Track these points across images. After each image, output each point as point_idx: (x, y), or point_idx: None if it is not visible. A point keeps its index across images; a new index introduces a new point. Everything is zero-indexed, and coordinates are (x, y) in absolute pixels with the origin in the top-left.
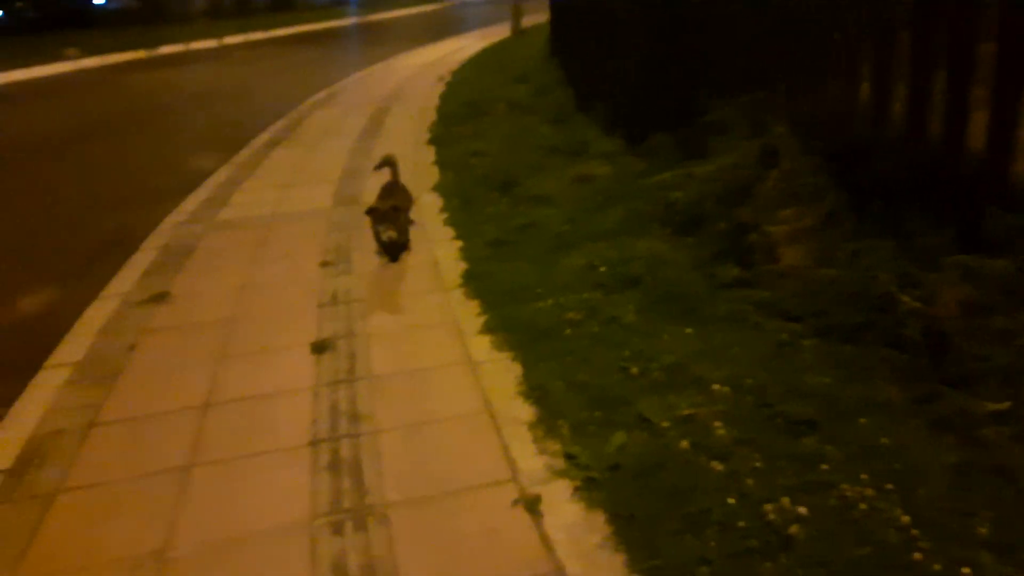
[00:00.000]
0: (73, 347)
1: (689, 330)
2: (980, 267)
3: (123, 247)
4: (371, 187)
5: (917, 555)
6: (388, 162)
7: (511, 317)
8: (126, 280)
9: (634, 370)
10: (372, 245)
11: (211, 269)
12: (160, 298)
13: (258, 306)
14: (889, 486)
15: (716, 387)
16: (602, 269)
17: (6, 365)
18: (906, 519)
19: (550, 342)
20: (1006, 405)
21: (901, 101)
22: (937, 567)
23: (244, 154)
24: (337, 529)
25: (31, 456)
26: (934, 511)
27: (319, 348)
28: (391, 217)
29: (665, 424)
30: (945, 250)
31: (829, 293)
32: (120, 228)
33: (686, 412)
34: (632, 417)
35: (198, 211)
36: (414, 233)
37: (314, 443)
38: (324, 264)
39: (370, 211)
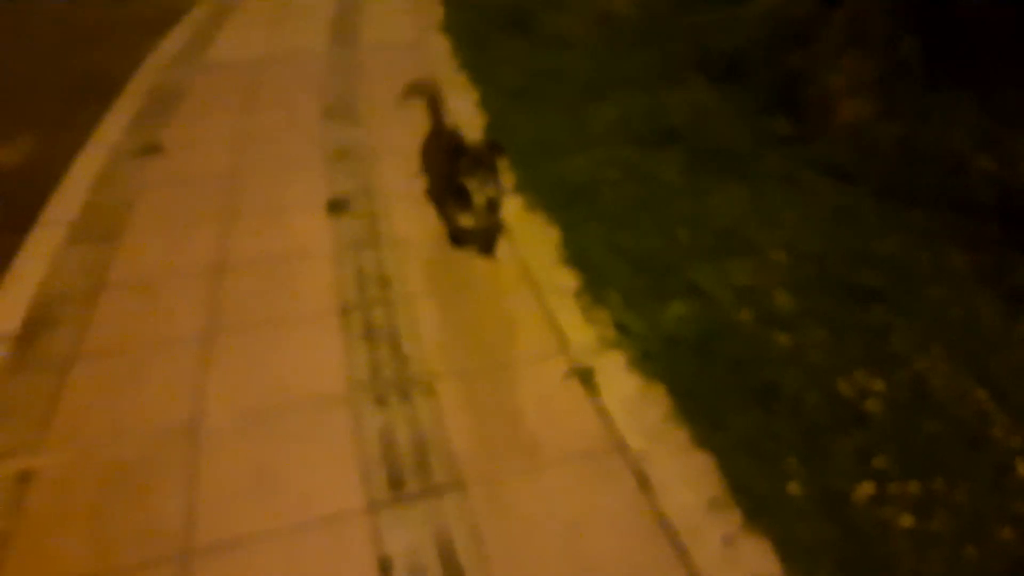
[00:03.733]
0: (67, 203)
1: (737, 191)
2: None
3: (104, 90)
4: (372, 32)
5: (996, 431)
6: (423, 90)
7: (542, 175)
8: (113, 128)
9: (682, 234)
10: (376, 91)
11: (204, 117)
12: (153, 149)
13: (261, 159)
14: (961, 359)
15: (773, 253)
16: (636, 122)
17: None
18: (982, 394)
19: (587, 203)
20: None
21: None
22: (1015, 443)
23: None
24: (380, 400)
25: (39, 320)
26: (1010, 385)
27: (335, 206)
28: (487, 177)
29: (721, 293)
30: None
31: (893, 152)
32: (98, 68)
33: (742, 280)
34: (684, 285)
35: (182, 52)
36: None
37: (344, 309)
38: (327, 112)
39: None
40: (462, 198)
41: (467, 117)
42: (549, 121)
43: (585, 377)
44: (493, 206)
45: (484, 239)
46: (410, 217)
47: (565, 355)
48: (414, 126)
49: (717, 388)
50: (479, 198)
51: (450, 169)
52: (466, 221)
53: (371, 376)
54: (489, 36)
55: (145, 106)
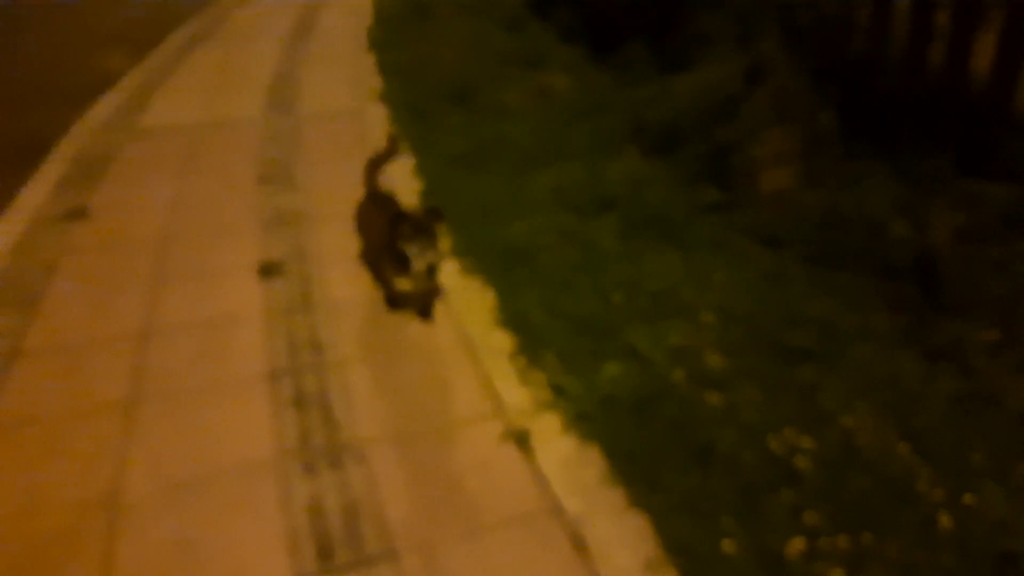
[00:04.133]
0: None
1: (671, 255)
2: (980, 193)
3: (30, 155)
4: (310, 101)
5: (920, 484)
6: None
7: (480, 240)
8: (37, 192)
9: (618, 297)
10: (313, 158)
11: (135, 182)
12: (78, 213)
13: (192, 223)
14: (886, 415)
15: (705, 315)
16: (574, 190)
17: None
18: (905, 448)
19: (525, 267)
20: (999, 335)
21: (904, 17)
22: (939, 496)
23: (159, 55)
24: (309, 468)
25: None
26: (931, 440)
27: (267, 270)
28: (427, 243)
29: (656, 354)
30: (943, 176)
31: (817, 218)
32: (26, 134)
33: (676, 341)
34: (620, 347)
35: (113, 117)
36: (359, 146)
37: (273, 375)
38: (262, 179)
39: (394, 218)
40: (401, 263)
41: (404, 183)
42: (488, 188)
43: (521, 439)
44: (432, 271)
45: (422, 302)
46: (344, 281)
47: (501, 417)
48: (349, 192)
49: (653, 449)
50: (419, 264)
51: (390, 234)
52: (404, 285)
53: (300, 443)
54: (428, 107)
55: (72, 170)
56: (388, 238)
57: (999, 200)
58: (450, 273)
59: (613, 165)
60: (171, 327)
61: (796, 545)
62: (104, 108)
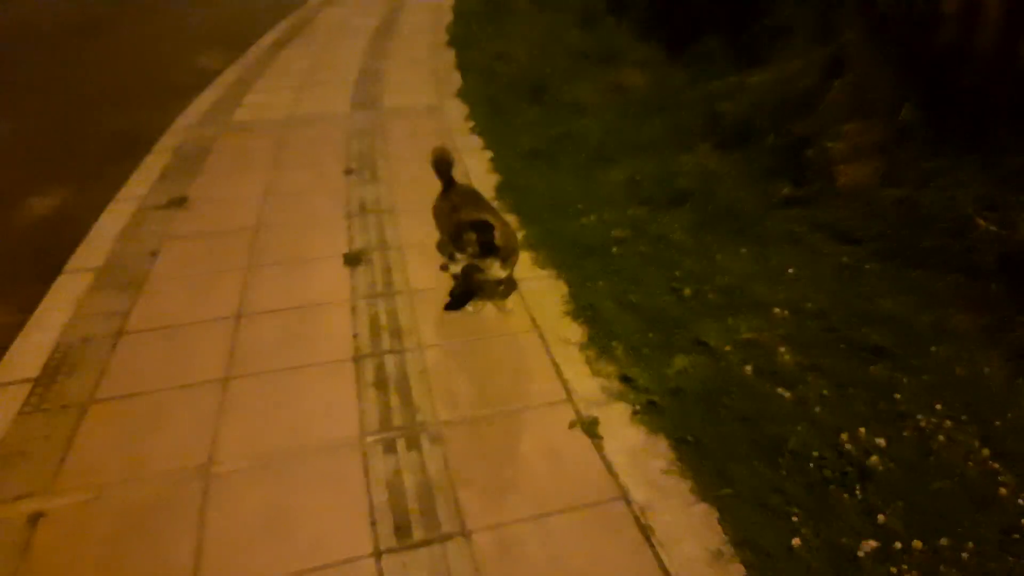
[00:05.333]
0: (92, 252)
1: (743, 250)
2: None
3: (134, 148)
4: (393, 96)
5: (1001, 490)
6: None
7: (553, 233)
8: (141, 183)
9: (687, 291)
10: (395, 152)
11: (230, 174)
12: (179, 203)
13: (284, 214)
14: (965, 417)
15: (776, 311)
16: (646, 184)
17: (24, 268)
18: (986, 452)
19: (596, 260)
20: None
21: (996, 5)
22: (1023, 503)
23: (252, 54)
24: (389, 447)
25: (59, 364)
26: (1014, 445)
27: (352, 260)
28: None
29: (726, 348)
30: None
31: (895, 214)
32: (130, 128)
33: (747, 336)
34: (689, 340)
35: (210, 112)
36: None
37: (357, 358)
38: (348, 171)
39: (470, 226)
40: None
41: (481, 177)
42: (561, 182)
43: (590, 427)
44: (468, 275)
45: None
46: (423, 270)
47: (570, 405)
48: (428, 185)
49: (721, 441)
50: (459, 267)
51: (452, 235)
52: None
53: (381, 423)
54: (505, 103)
55: (173, 163)
56: (456, 231)
57: None
58: (524, 264)
59: (686, 159)
60: (263, 310)
61: (869, 545)
62: (201, 104)
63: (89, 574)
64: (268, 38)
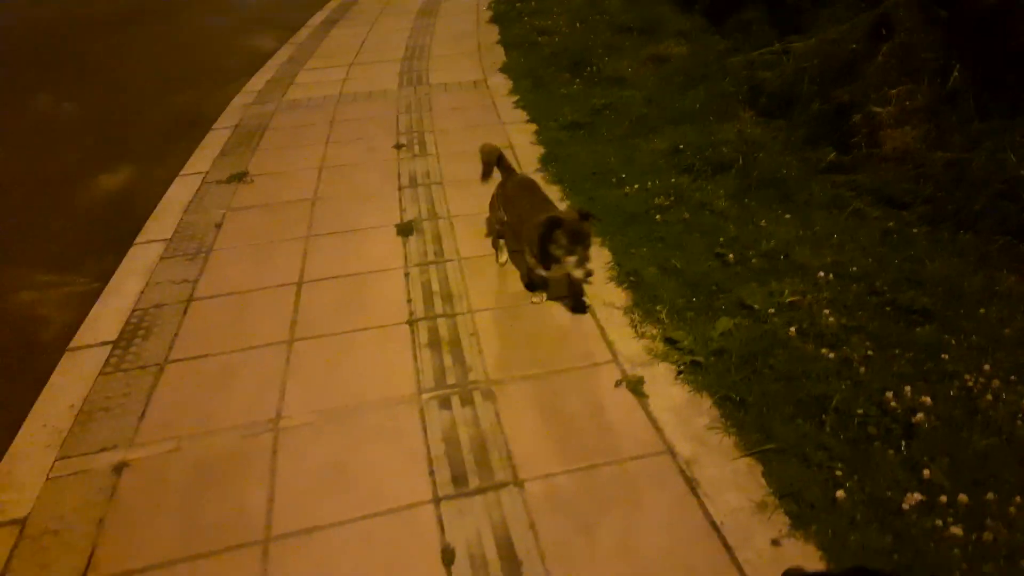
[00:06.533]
0: (162, 224)
1: (787, 216)
2: None
3: (195, 127)
4: (439, 72)
5: None
6: (492, 159)
7: (596, 201)
8: (203, 159)
9: (731, 256)
10: (443, 126)
11: (286, 149)
12: (240, 177)
13: (338, 186)
14: (1014, 378)
15: (820, 274)
16: (688, 153)
17: (98, 241)
18: None
19: (639, 227)
20: None
21: None
22: None
23: (302, 34)
24: (444, 403)
25: (135, 328)
26: None
27: (404, 229)
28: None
29: (770, 311)
30: None
31: (944, 178)
32: (188, 108)
33: (791, 299)
34: (733, 303)
35: (265, 91)
36: (484, 115)
37: (411, 321)
38: (398, 146)
39: (547, 224)
40: (546, 261)
41: (524, 149)
42: (603, 153)
43: (635, 386)
44: (588, 276)
45: (568, 293)
46: (471, 239)
47: (616, 365)
48: (474, 158)
49: (764, 399)
50: (577, 272)
51: (542, 236)
52: (546, 272)
53: (436, 382)
54: (547, 77)
55: (232, 140)
56: (540, 239)
57: None
58: None
59: (728, 128)
60: (322, 277)
61: (913, 499)
62: (256, 83)
63: (172, 517)
64: (318, 18)
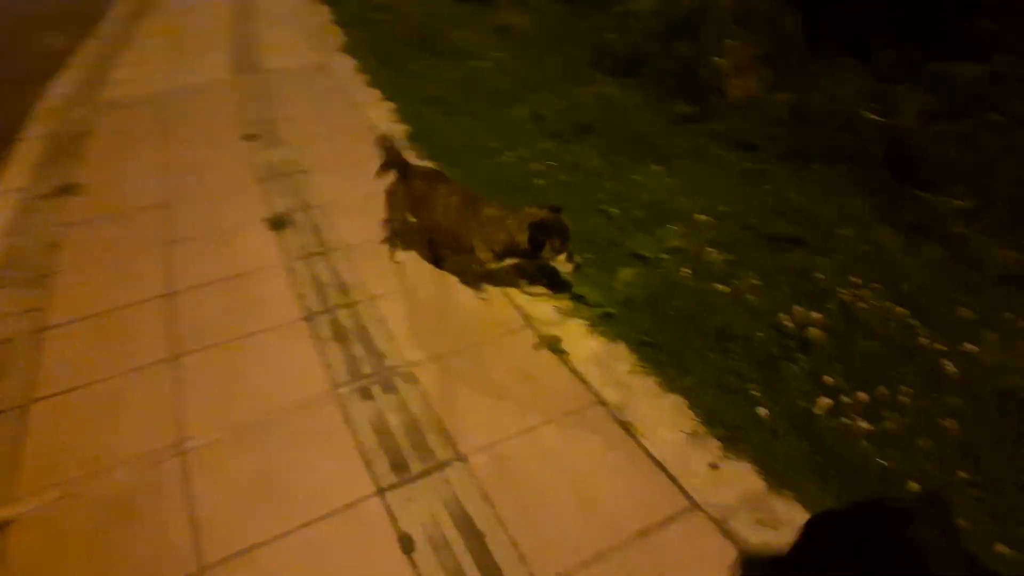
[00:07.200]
0: None
1: (656, 168)
2: (948, 74)
3: None
4: (275, 58)
5: (922, 340)
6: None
7: (475, 173)
8: (19, 174)
9: (614, 211)
10: (293, 113)
11: (119, 154)
12: (69, 189)
13: (189, 187)
14: (878, 286)
15: (697, 217)
16: (551, 118)
17: None
18: (902, 311)
19: (521, 194)
20: (973, 203)
21: None
22: (940, 347)
23: (105, 27)
24: (365, 394)
25: None
26: (924, 302)
27: (277, 223)
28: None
29: (661, 256)
30: (910, 63)
31: (788, 118)
32: None
33: (676, 243)
34: (625, 255)
35: (75, 94)
36: (336, 97)
37: (309, 317)
38: (247, 137)
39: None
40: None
41: (386, 128)
42: (470, 125)
43: (553, 345)
44: (571, 257)
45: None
46: (354, 226)
47: (531, 330)
48: (337, 143)
49: (675, 338)
50: (569, 267)
51: (532, 245)
52: (492, 264)
53: (351, 374)
54: (395, 54)
55: (48, 149)
56: (532, 245)
57: (967, 79)
58: None
59: (584, 91)
60: (196, 284)
61: (823, 404)
62: (62, 86)
63: (83, 568)
64: (120, 10)
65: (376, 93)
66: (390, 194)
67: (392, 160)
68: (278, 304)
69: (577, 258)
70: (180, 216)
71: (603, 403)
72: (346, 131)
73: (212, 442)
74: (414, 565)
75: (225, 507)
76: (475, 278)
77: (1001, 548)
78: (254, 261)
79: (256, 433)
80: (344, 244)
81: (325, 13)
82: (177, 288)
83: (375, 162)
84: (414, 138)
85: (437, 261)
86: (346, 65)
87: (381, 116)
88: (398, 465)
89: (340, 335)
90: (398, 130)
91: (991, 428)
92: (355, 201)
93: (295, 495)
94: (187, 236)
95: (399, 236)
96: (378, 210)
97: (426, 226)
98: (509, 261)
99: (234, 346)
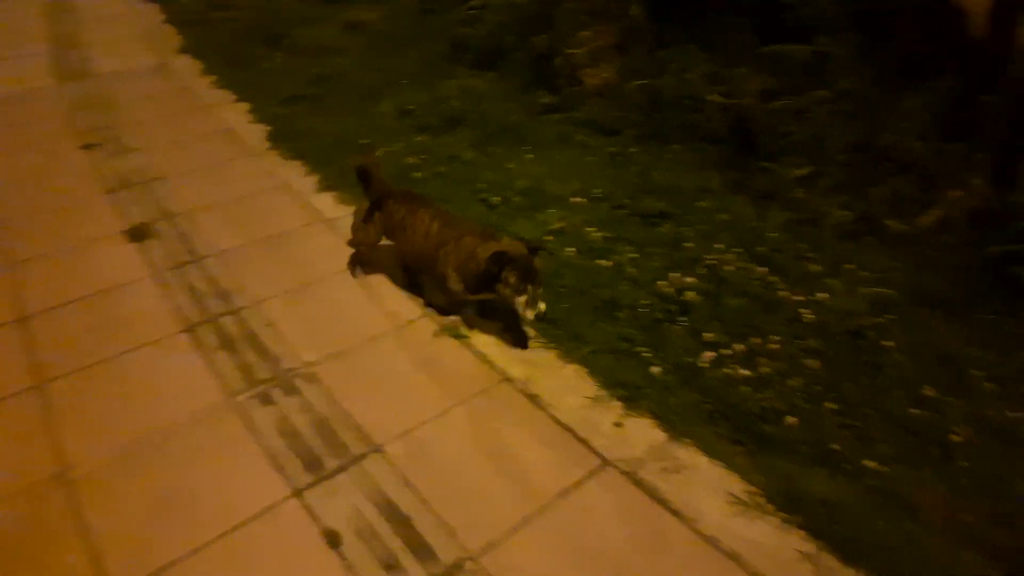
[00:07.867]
0: None
1: (529, 156)
2: (780, 55)
3: None
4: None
5: (782, 293)
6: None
7: (348, 171)
8: None
9: (495, 199)
10: (137, 118)
11: None
12: None
13: (27, 203)
14: (739, 250)
15: (573, 200)
16: (419, 113)
17: None
18: (762, 270)
19: (400, 186)
20: (809, 170)
21: None
22: (799, 298)
23: None
24: (265, 399)
25: None
26: (778, 260)
27: (137, 235)
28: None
29: (546, 238)
30: (746, 46)
31: (642, 103)
32: None
33: (558, 225)
34: (511, 238)
35: None
36: (183, 100)
37: (189, 328)
38: (87, 146)
39: (495, 258)
40: (487, 298)
41: (244, 129)
42: (337, 122)
43: (453, 332)
44: (533, 301)
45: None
46: (223, 231)
47: (428, 319)
48: (191, 148)
49: (568, 313)
50: (529, 312)
51: (487, 272)
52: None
53: (246, 381)
54: (243, 53)
55: None
56: (485, 277)
57: (796, 60)
58: (327, 203)
59: (448, 85)
60: (52, 306)
61: (707, 357)
62: None
63: None
64: None
65: (227, 94)
66: (364, 218)
67: (373, 188)
68: (152, 318)
69: (541, 305)
70: (22, 235)
71: (509, 380)
72: (199, 135)
73: (99, 467)
74: (343, 558)
75: (127, 532)
76: (442, 311)
77: (868, 463)
78: (116, 276)
79: (147, 452)
80: (217, 250)
81: (155, 13)
82: (31, 312)
83: (236, 164)
84: (276, 138)
85: (413, 287)
86: (189, 66)
87: (237, 118)
88: (312, 464)
89: (227, 343)
90: (257, 130)
91: (847, 364)
92: (221, 205)
93: (204, 508)
94: (33, 256)
95: (364, 264)
96: (251, 211)
97: (403, 251)
98: (485, 296)
99: (108, 366)
